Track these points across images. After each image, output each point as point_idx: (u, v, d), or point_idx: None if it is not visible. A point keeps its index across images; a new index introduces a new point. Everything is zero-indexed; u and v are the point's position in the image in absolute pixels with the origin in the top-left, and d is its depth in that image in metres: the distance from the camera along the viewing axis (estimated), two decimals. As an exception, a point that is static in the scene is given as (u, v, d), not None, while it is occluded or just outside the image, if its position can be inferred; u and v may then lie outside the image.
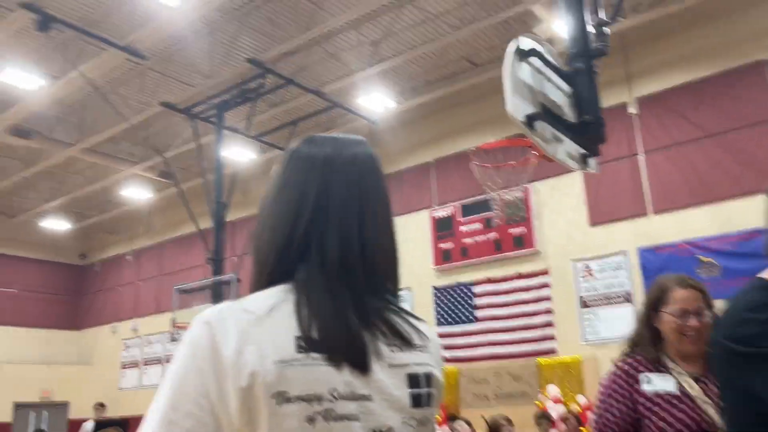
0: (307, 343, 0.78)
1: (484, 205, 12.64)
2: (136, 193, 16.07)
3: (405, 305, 0.95)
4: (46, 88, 10.79)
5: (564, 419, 9.50)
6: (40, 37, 10.49)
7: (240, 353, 0.76)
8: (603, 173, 11.14)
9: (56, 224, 17.72)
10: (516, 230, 12.21)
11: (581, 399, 10.36)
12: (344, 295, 0.83)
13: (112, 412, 12.15)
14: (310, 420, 0.75)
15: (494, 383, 11.85)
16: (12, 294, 17.86)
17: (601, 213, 11.28)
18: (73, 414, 17.14)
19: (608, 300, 11.06)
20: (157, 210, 17.64)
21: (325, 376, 0.77)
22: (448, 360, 12.70)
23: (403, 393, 0.82)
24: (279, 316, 0.80)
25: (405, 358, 0.84)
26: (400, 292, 0.97)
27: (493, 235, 12.48)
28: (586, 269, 11.38)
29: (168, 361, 17.06)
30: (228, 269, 11.12)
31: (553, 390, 10.73)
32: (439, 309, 13.12)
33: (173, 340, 10.96)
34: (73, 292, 19.56)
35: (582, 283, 11.39)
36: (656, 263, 10.69)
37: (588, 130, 3.78)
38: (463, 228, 12.99)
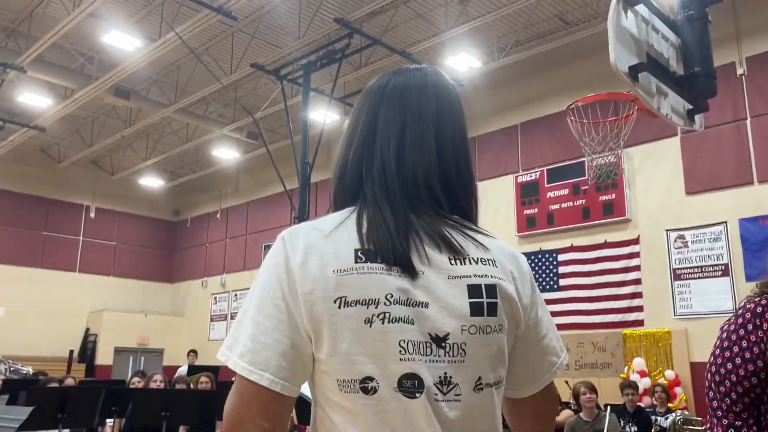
0: (364, 254, 0.86)
1: (571, 171, 12.24)
2: (226, 153, 16.61)
3: (474, 228, 0.98)
4: (144, 49, 11.22)
5: (651, 391, 9.20)
6: (139, 0, 10.89)
7: (305, 263, 0.87)
8: (703, 139, 10.53)
9: (152, 182, 18.63)
10: (606, 197, 11.76)
11: (669, 373, 9.98)
12: (402, 211, 0.89)
13: (202, 361, 12.80)
14: (368, 321, 0.83)
15: (576, 353, 11.60)
16: (112, 246, 19.04)
17: (699, 182, 10.65)
18: (167, 361, 18.24)
19: (703, 272, 10.50)
20: (245, 170, 18.19)
21: (380, 283, 0.84)
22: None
23: (462, 302, 0.86)
24: (343, 231, 0.90)
25: (466, 270, 0.88)
26: (475, 213, 1.03)
27: (581, 201, 12.07)
28: (680, 239, 10.83)
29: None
30: (312, 228, 11.33)
31: (639, 362, 10.39)
32: (521, 276, 12.90)
33: (260, 294, 11.33)
34: (166, 247, 20.61)
35: (675, 255, 10.87)
36: (758, 235, 10.02)
37: (698, 82, 3.53)
38: (549, 194, 12.63)
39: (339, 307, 0.84)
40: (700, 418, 6.18)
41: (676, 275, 10.80)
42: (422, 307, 0.85)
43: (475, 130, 12.87)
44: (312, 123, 12.42)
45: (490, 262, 0.91)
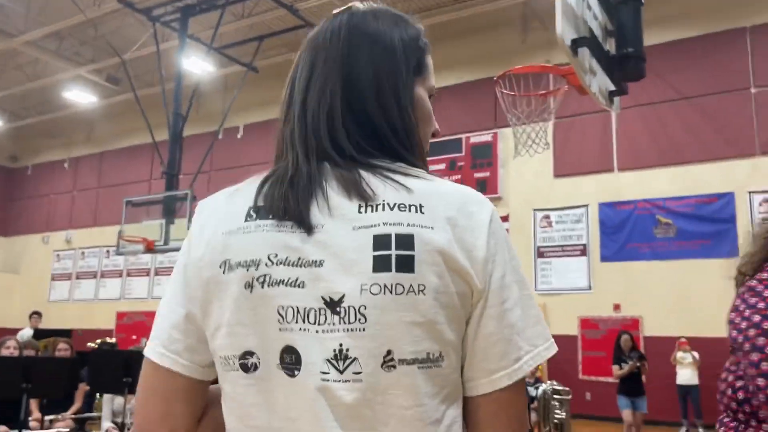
0: (255, 211, 0.76)
1: (449, 147, 12.48)
2: (80, 96, 14.98)
3: (409, 170, 0.81)
4: (-10, -35, 9.69)
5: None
6: None
7: (203, 227, 0.79)
8: (573, 125, 11.16)
9: (-13, 121, 16.45)
10: (481, 175, 12.13)
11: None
12: (306, 161, 0.78)
13: (46, 324, 11.59)
14: (248, 286, 0.72)
15: (442, 323, 11.98)
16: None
17: (566, 165, 11.30)
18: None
19: (564, 251, 11.23)
20: (101, 117, 16.58)
21: (265, 241, 0.73)
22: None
23: (364, 256, 0.70)
24: (247, 189, 0.80)
25: (375, 219, 0.72)
26: (419, 154, 0.88)
27: (456, 177, 12.35)
28: (545, 219, 11.47)
29: (103, 276, 16.43)
30: (182, 186, 10.57)
31: (501, 334, 10.94)
32: (393, 246, 13.06)
33: (119, 253, 10.42)
34: (0, 196, 18.42)
35: (540, 233, 11.50)
36: (615, 219, 10.87)
37: (629, 64, 3.59)
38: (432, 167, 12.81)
39: (223, 272, 0.74)
40: (568, 388, 6.57)
41: (540, 253, 11.45)
42: (316, 266, 0.71)
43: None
44: (186, 73, 11.51)
45: (412, 207, 0.73)
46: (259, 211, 0.76)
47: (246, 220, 0.76)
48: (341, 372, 0.69)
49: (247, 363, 0.72)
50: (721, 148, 9.93)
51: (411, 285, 0.69)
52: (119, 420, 5.28)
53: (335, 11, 0.90)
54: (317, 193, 0.75)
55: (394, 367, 0.68)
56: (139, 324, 14.45)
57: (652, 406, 7.85)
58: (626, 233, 10.77)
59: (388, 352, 0.68)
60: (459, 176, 12.28)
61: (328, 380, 0.69)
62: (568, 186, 11.22)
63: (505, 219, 11.77)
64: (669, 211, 10.43)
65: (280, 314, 0.71)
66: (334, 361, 0.69)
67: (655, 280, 10.30)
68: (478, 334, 0.72)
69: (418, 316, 0.69)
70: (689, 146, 10.22)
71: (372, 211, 0.73)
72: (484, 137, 12.24)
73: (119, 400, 5.37)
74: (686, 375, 8.94)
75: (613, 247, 10.82)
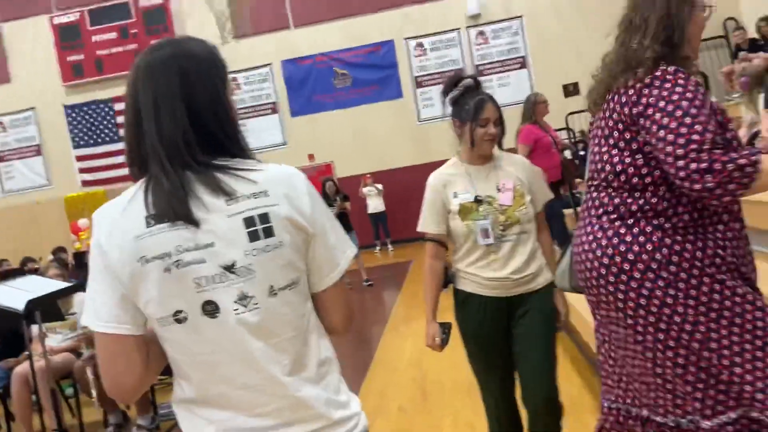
0: (152, 219, 1.05)
1: (116, 12, 11.49)
2: None
3: (244, 164, 1.15)
4: None
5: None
6: None
7: (110, 236, 1.07)
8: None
9: None
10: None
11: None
12: (175, 175, 1.06)
13: None
14: (167, 270, 1.04)
15: (147, 201, 11.71)
16: None
17: (245, 26, 11.33)
18: None
19: (255, 111, 11.60)
20: None
21: (169, 238, 1.04)
22: (91, 183, 11.96)
23: (241, 234, 1.06)
24: (135, 203, 1.07)
25: (240, 207, 1.06)
26: (244, 147, 1.18)
27: (132, 46, 11.53)
28: (233, 82, 11.55)
29: None
30: None
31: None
32: (74, 129, 11.94)
33: None
34: None
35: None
36: (298, 74, 11.47)
37: None
38: (95, 38, 11.64)
39: (142, 265, 1.04)
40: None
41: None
42: (210, 247, 1.04)
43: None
44: None
45: (260, 194, 1.07)
46: (155, 218, 1.04)
47: (148, 227, 1.04)
48: (246, 306, 1.06)
49: (179, 318, 1.06)
50: (377, 1, 10.95)
51: (275, 243, 1.07)
52: None
53: (156, 42, 1.13)
54: (191, 196, 1.05)
55: (276, 294, 1.08)
56: None
57: (352, 235, 9.10)
58: (310, 87, 11.52)
59: (271, 287, 1.08)
60: (135, 45, 11.50)
61: (239, 313, 1.06)
62: (248, 47, 11.35)
63: (192, 86, 11.56)
64: (344, 63, 11.38)
65: (196, 283, 1.04)
66: (240, 302, 1.06)
67: (340, 127, 11.41)
68: (315, 256, 1.13)
69: (283, 261, 1.08)
70: (352, 1, 11.03)
71: (236, 203, 1.06)
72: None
73: None
74: (374, 204, 10.42)
75: (300, 101, 11.54)
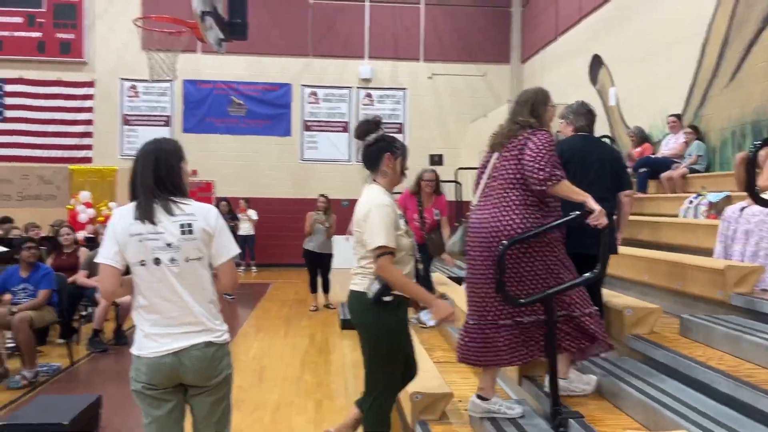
0: (137, 219, 2.07)
1: (26, -1, 11.73)
2: None
3: (185, 201, 2.22)
4: None
5: (95, 221, 10.58)
6: None
7: (118, 223, 2.11)
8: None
9: None
10: (64, 36, 11.86)
11: (113, 205, 11.48)
12: (147, 201, 2.09)
13: None
14: (140, 241, 2.05)
15: (20, 185, 11.81)
16: None
17: (153, 40, 11.97)
18: None
19: (150, 120, 12.19)
20: None
21: (142, 228, 2.06)
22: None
23: (177, 231, 2.07)
24: (129, 211, 2.11)
25: (178, 219, 2.09)
26: (184, 193, 2.25)
27: (36, 34, 11.79)
28: (132, 89, 12.12)
29: None
30: None
31: (85, 195, 11.44)
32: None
33: None
34: None
35: (127, 102, 12.13)
36: (197, 95, 12.25)
37: (237, 27, 5.23)
38: (0, 19, 11.76)
39: (129, 237, 2.05)
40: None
41: (126, 120, 12.16)
42: (161, 234, 2.05)
43: None
44: None
45: (190, 215, 2.10)
46: (138, 218, 2.05)
47: (134, 221, 2.05)
48: (173, 263, 2.08)
49: (143, 263, 2.07)
50: (284, 47, 12.10)
51: (192, 237, 2.10)
52: None
53: (147, 141, 2.18)
54: (156, 212, 2.07)
55: (189, 261, 2.10)
56: None
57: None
58: (205, 109, 12.32)
59: (187, 257, 2.10)
60: (40, 34, 11.78)
61: (170, 266, 2.08)
62: (154, 60, 11.96)
63: (90, 85, 11.98)
64: (242, 94, 12.32)
65: (151, 248, 2.06)
66: (171, 261, 2.07)
67: (227, 151, 12.26)
68: (215, 246, 2.18)
69: (195, 246, 2.11)
70: (261, 41, 12.09)
71: (176, 217, 2.07)
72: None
73: None
74: (245, 228, 11.32)
75: (193, 120, 12.30)
